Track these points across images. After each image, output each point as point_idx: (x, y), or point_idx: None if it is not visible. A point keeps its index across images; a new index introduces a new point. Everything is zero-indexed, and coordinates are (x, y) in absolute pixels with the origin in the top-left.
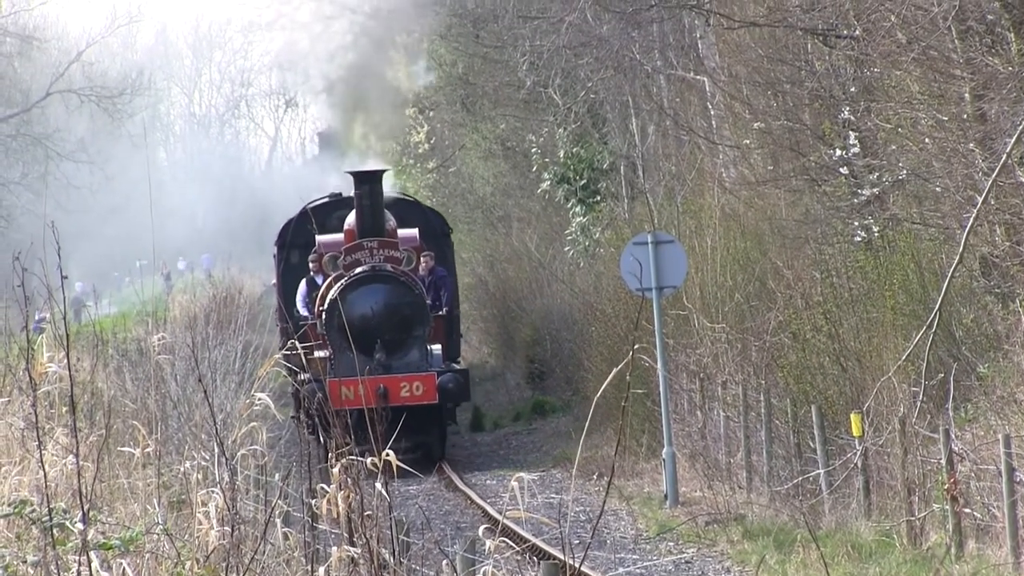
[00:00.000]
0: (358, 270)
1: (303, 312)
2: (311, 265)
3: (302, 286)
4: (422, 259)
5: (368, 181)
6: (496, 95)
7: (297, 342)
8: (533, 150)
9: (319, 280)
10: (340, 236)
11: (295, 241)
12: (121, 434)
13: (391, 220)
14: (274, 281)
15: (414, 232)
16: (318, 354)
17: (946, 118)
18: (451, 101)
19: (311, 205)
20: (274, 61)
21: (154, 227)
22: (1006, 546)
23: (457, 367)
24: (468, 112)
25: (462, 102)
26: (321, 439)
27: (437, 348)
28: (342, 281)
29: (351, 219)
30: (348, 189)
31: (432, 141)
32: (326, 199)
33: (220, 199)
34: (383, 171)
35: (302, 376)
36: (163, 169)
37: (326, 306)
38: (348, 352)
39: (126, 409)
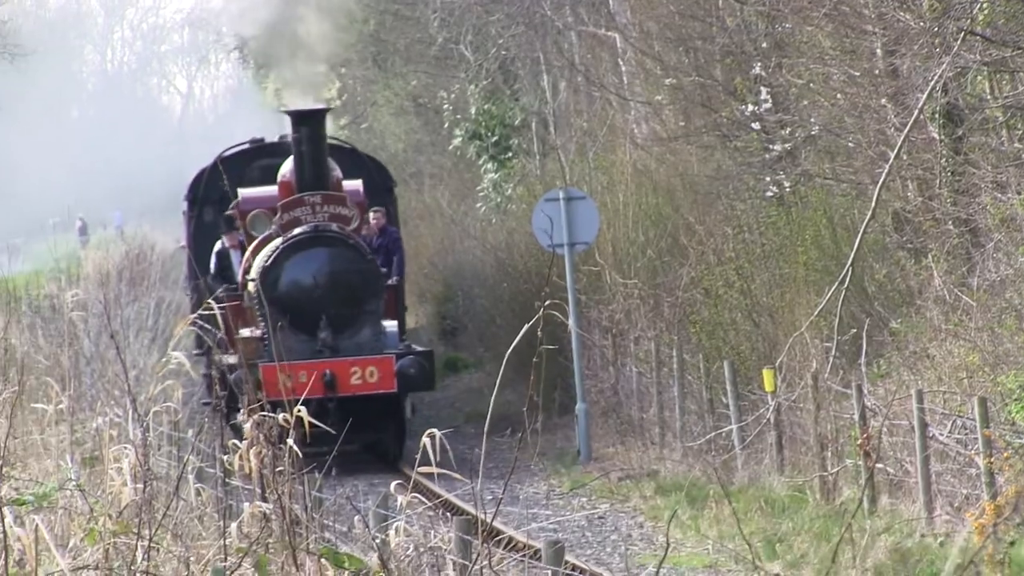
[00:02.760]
0: (297, 231)
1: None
2: (226, 224)
3: (216, 249)
4: (371, 216)
5: (308, 122)
6: (407, 52)
7: (216, 310)
8: (445, 107)
9: (227, 242)
10: (269, 189)
11: (209, 195)
12: (34, 391)
13: (336, 170)
14: (183, 243)
15: (358, 185)
16: (245, 333)
17: (858, 73)
18: (362, 58)
19: (227, 153)
20: (186, 19)
21: (68, 185)
22: (919, 501)
23: (418, 348)
24: (379, 69)
25: (373, 59)
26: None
27: (392, 325)
28: (276, 243)
29: (286, 169)
30: (270, 135)
31: (343, 98)
32: (245, 145)
33: (132, 156)
34: (326, 110)
35: (225, 358)
36: (76, 127)
37: (256, 274)
38: (286, 331)
39: (39, 366)
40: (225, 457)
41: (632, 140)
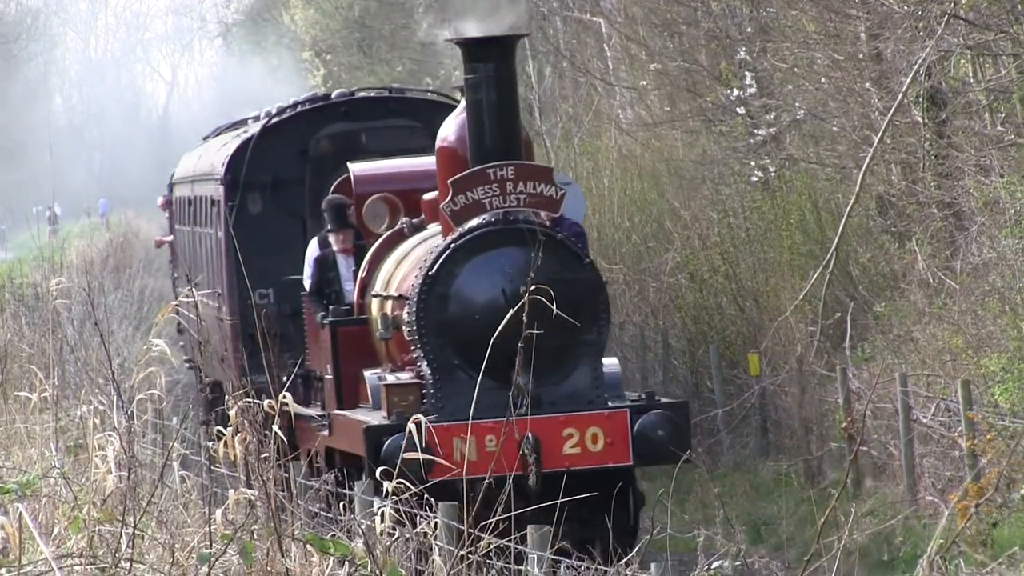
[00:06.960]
0: (474, 222)
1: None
2: (335, 219)
3: (311, 253)
4: None
5: (494, 56)
6: (392, 38)
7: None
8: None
9: (336, 244)
10: (386, 165)
11: (256, 177)
12: (18, 379)
13: (525, 130)
14: (171, 236)
15: None
16: (390, 378)
17: (842, 58)
18: (347, 44)
19: (277, 119)
20: (170, 6)
21: (53, 172)
22: (902, 483)
23: (662, 399)
24: (364, 55)
25: (358, 45)
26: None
27: (613, 365)
28: (443, 241)
29: (449, 130)
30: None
31: (329, 84)
32: (305, 105)
33: (117, 144)
34: (518, 37)
35: (365, 417)
36: (59, 114)
37: (416, 288)
38: (459, 373)
39: (23, 354)
40: (210, 444)
41: (617, 125)
